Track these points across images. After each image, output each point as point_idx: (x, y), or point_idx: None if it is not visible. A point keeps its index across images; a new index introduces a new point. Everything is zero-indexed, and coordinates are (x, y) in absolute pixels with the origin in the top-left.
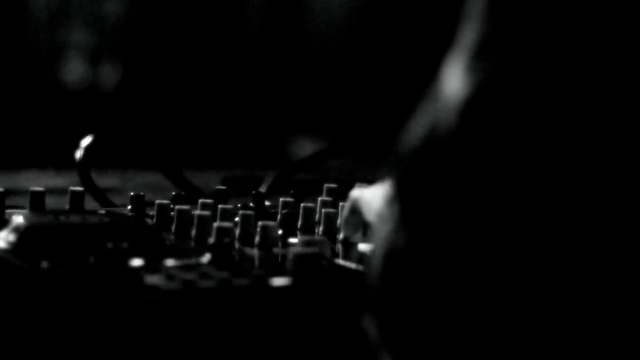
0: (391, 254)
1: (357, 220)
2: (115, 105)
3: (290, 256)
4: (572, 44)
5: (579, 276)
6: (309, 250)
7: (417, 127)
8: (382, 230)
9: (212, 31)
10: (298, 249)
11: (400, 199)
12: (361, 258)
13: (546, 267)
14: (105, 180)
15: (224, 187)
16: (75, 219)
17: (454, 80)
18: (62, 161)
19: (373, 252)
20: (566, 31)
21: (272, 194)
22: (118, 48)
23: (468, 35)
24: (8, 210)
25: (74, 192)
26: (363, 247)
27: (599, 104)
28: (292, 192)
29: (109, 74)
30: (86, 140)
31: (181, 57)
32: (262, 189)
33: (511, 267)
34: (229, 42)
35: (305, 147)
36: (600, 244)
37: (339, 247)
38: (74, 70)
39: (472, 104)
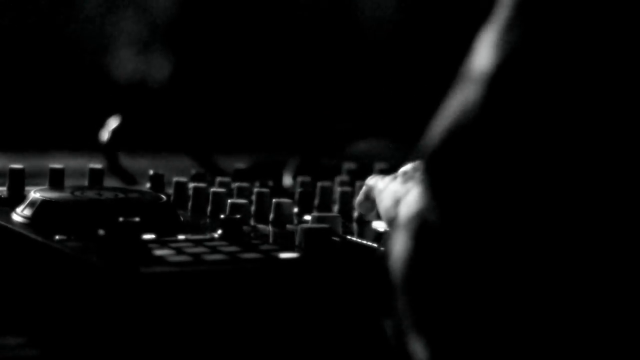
0: (423, 233)
1: (371, 205)
2: (153, 93)
3: (299, 231)
4: (597, 16)
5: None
6: (319, 225)
7: (448, 106)
8: (395, 230)
9: (252, 18)
10: (308, 225)
11: (431, 177)
12: (375, 236)
13: (589, 242)
14: (135, 163)
15: (243, 167)
16: (90, 194)
17: (482, 55)
18: (95, 145)
19: (393, 244)
20: (592, 5)
21: (298, 176)
22: (164, 38)
23: (499, 13)
24: (28, 187)
25: (92, 169)
26: (377, 225)
27: (625, 79)
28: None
29: (148, 65)
30: (113, 123)
31: (220, 46)
32: (286, 171)
33: (546, 238)
34: (268, 33)
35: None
36: None
37: (354, 225)
38: (119, 60)
39: (498, 76)
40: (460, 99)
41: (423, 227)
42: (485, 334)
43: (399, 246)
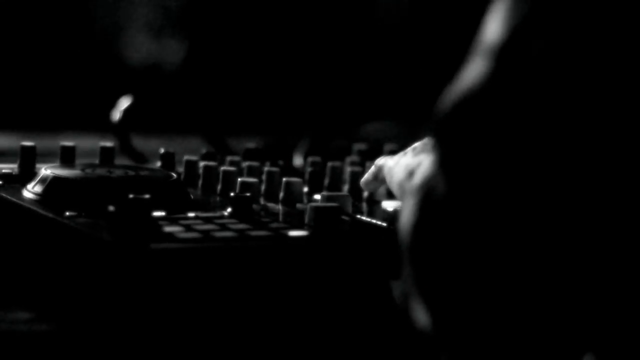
0: (429, 202)
1: (378, 185)
2: (165, 75)
3: (309, 209)
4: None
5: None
6: (329, 204)
7: (460, 77)
8: (407, 198)
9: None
10: (318, 203)
11: (440, 145)
12: (385, 215)
13: (593, 213)
14: (146, 143)
15: (253, 147)
16: (100, 171)
17: (491, 28)
18: (106, 126)
19: (406, 205)
20: None
21: (309, 156)
22: (177, 21)
23: None
24: (39, 165)
25: (103, 148)
26: (387, 204)
27: (633, 51)
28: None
29: (161, 48)
30: (124, 103)
31: (232, 28)
32: (297, 151)
33: (550, 211)
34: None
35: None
36: None
37: (364, 204)
38: (132, 43)
39: (506, 49)
40: (471, 71)
41: (429, 195)
42: (483, 304)
43: (407, 213)
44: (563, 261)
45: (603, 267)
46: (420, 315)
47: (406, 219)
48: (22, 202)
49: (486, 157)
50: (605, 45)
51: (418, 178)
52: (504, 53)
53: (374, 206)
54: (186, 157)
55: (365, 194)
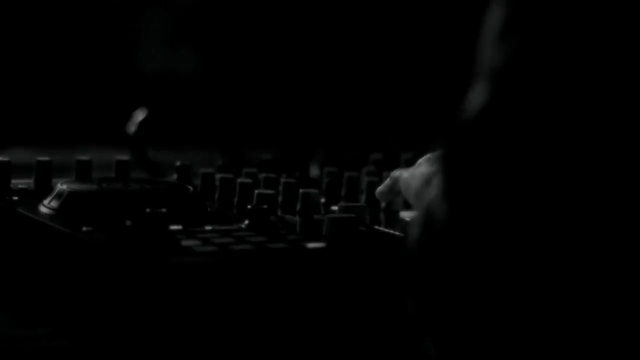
0: (430, 225)
1: (392, 196)
2: (179, 86)
3: (326, 220)
4: (589, 23)
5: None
6: (346, 215)
7: (467, 100)
8: (420, 207)
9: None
10: (335, 214)
11: (444, 170)
12: (403, 226)
13: (599, 237)
14: (162, 156)
15: (269, 158)
16: (117, 186)
17: (489, 52)
18: (122, 139)
19: (412, 226)
20: (583, 13)
21: (325, 166)
22: (190, 32)
23: (497, 10)
24: (54, 180)
25: (119, 161)
26: (405, 215)
27: (623, 73)
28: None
29: (175, 59)
30: (139, 115)
31: (246, 38)
32: (313, 161)
33: (549, 239)
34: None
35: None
36: None
37: (382, 215)
38: (146, 54)
39: (504, 75)
40: (473, 97)
41: (429, 220)
42: (484, 335)
43: (413, 236)
44: (564, 289)
45: (612, 295)
46: (427, 341)
47: (412, 244)
48: (38, 218)
49: (484, 184)
50: (601, 68)
51: (433, 188)
52: (501, 80)
53: (391, 216)
54: (203, 170)
55: (383, 204)
